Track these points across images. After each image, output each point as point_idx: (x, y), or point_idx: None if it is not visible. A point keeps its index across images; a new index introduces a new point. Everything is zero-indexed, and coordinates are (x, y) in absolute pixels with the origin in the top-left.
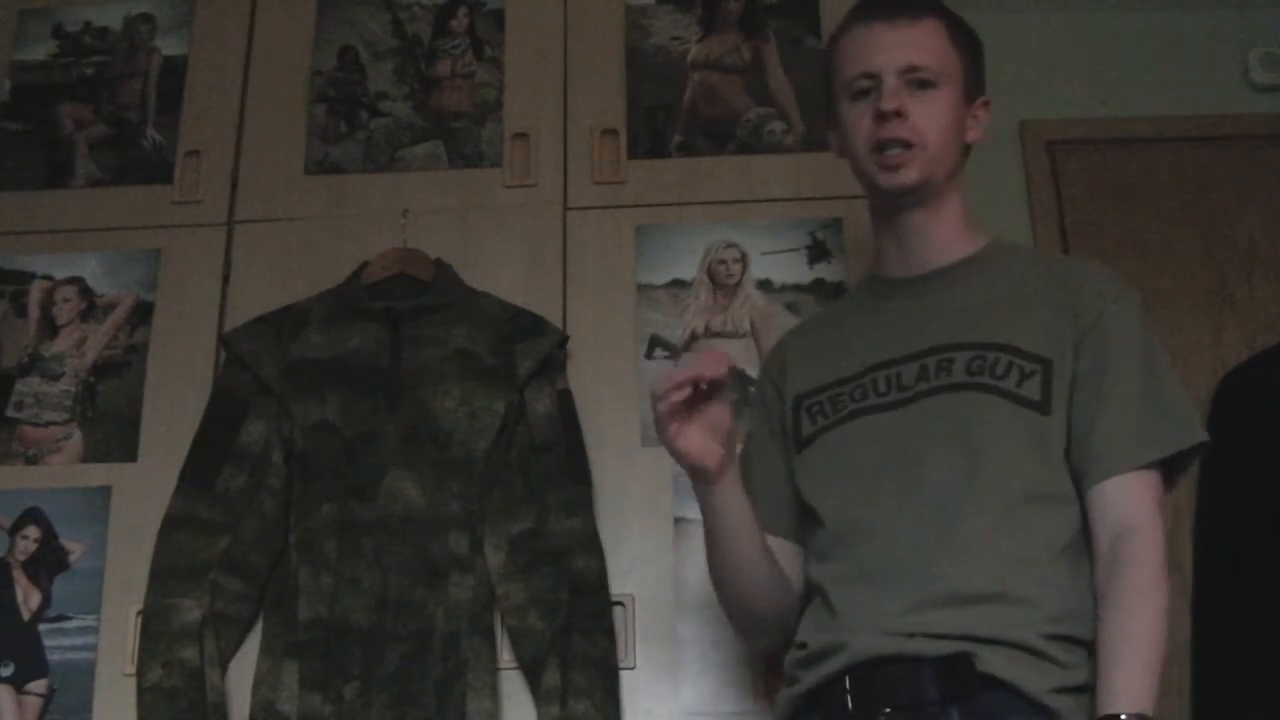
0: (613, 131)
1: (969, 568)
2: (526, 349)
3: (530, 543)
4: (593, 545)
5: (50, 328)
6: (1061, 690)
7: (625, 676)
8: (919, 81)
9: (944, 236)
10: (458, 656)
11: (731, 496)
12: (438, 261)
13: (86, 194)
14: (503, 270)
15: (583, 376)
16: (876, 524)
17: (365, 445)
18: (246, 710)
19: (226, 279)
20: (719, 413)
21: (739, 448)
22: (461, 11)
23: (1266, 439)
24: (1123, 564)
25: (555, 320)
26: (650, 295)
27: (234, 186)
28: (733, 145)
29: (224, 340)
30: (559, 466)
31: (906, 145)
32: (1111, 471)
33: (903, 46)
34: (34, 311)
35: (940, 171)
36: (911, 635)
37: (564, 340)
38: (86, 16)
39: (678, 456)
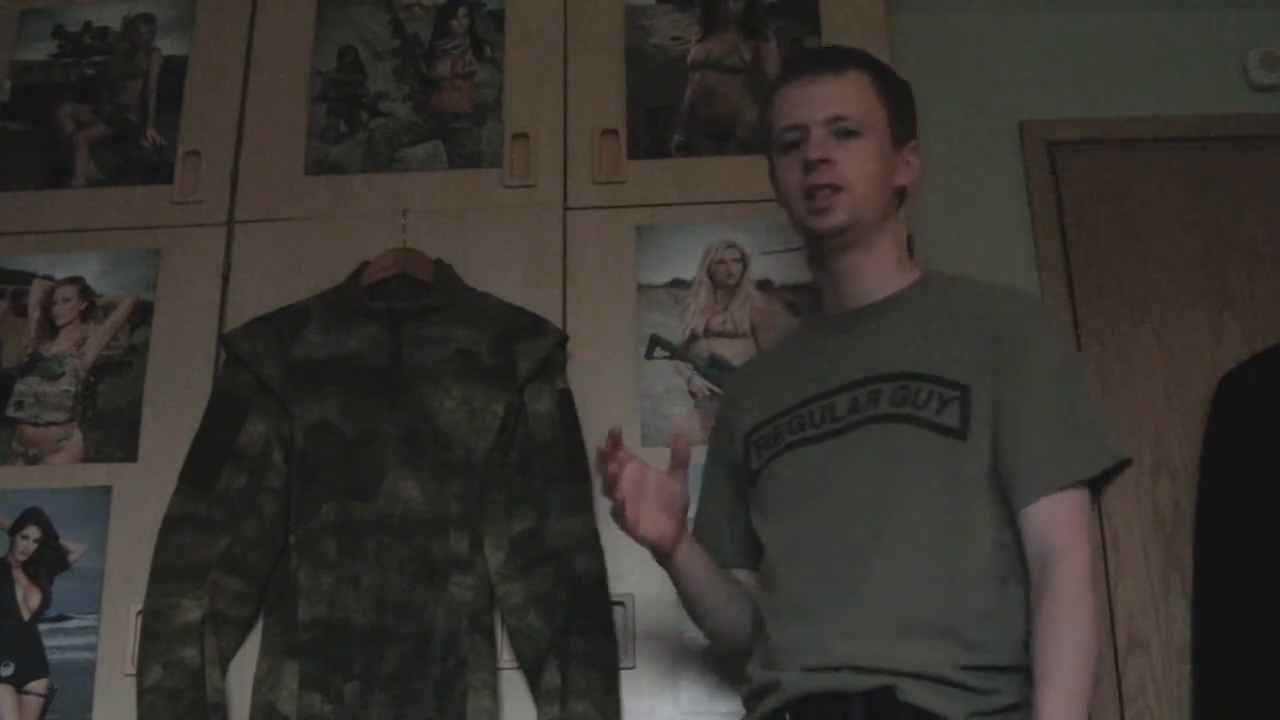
0: (613, 131)
1: (886, 599)
2: (526, 349)
3: (530, 543)
4: (593, 545)
5: (50, 328)
6: (978, 714)
7: (625, 676)
8: (843, 131)
9: (877, 275)
10: (458, 656)
11: (689, 559)
12: (438, 262)
13: (86, 194)
14: (503, 270)
15: (583, 376)
16: (803, 555)
17: (365, 445)
18: (246, 710)
19: (226, 279)
20: (675, 488)
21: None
22: (461, 11)
23: (1266, 439)
24: (1046, 591)
25: (555, 320)
26: (650, 295)
27: (234, 186)
28: (733, 145)
29: (224, 340)
30: (559, 466)
31: (834, 189)
32: (1034, 496)
33: (827, 99)
34: (34, 311)
35: (868, 214)
36: (839, 669)
37: (564, 340)
38: (86, 16)
39: (641, 542)
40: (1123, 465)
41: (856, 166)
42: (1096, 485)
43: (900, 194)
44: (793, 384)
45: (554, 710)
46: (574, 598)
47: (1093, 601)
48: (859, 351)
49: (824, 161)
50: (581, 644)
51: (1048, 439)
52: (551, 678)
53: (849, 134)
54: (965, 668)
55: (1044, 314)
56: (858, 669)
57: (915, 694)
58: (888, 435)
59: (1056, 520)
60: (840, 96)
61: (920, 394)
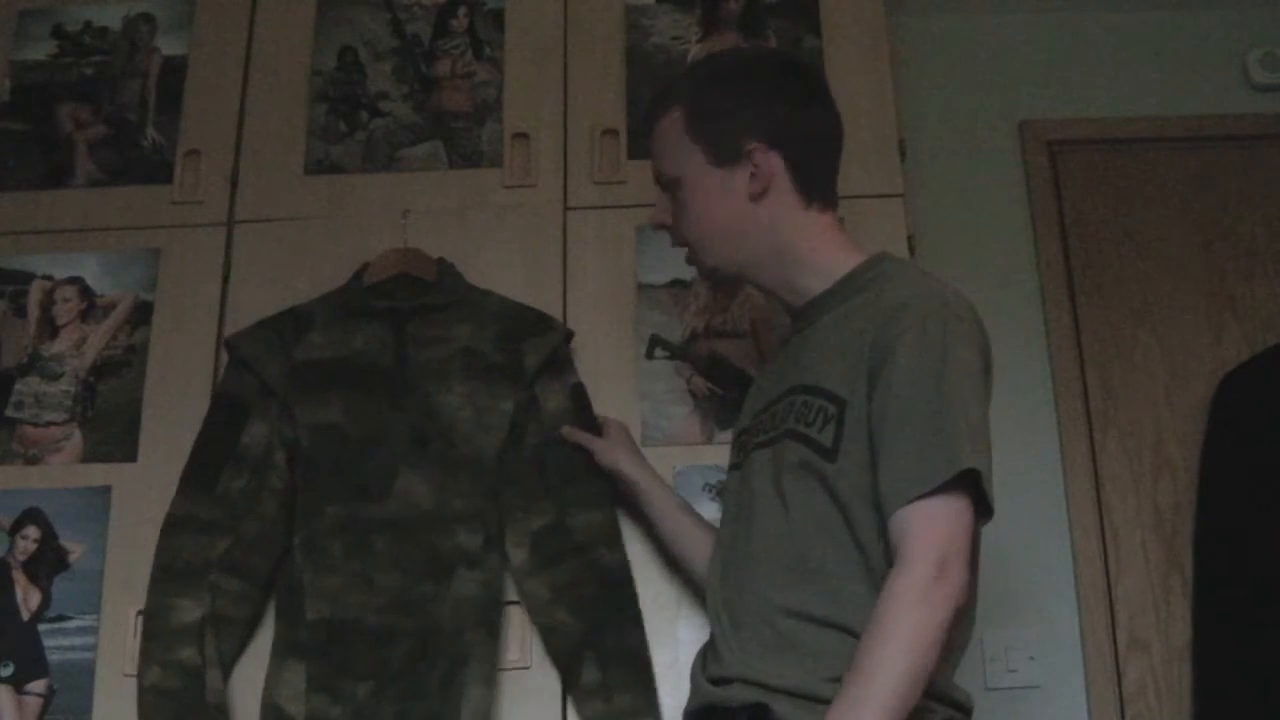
0: (613, 131)
1: (763, 615)
2: (533, 345)
3: (552, 538)
4: (615, 538)
5: (50, 328)
6: None
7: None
8: (668, 184)
9: (793, 285)
10: (460, 651)
11: (633, 479)
12: (440, 260)
13: (86, 194)
14: (503, 270)
15: (583, 376)
16: (717, 564)
17: (371, 445)
18: (250, 711)
19: (226, 279)
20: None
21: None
22: (461, 11)
23: (1266, 439)
24: (879, 599)
25: None
26: (650, 295)
27: (234, 186)
28: None
29: (226, 344)
30: (577, 461)
31: (686, 245)
32: (889, 510)
33: (652, 159)
34: (34, 311)
35: (722, 253)
36: (732, 682)
37: (569, 336)
38: (86, 16)
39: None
40: (972, 475)
41: (686, 220)
42: (973, 491)
43: (764, 197)
44: (767, 387)
45: (598, 705)
46: (602, 591)
47: (920, 616)
48: (791, 359)
49: (664, 228)
50: (617, 637)
51: (900, 452)
52: (591, 674)
53: (671, 186)
54: (835, 680)
55: (921, 313)
56: (746, 683)
57: (787, 711)
58: (782, 451)
59: (904, 533)
60: (657, 152)
61: (812, 409)
